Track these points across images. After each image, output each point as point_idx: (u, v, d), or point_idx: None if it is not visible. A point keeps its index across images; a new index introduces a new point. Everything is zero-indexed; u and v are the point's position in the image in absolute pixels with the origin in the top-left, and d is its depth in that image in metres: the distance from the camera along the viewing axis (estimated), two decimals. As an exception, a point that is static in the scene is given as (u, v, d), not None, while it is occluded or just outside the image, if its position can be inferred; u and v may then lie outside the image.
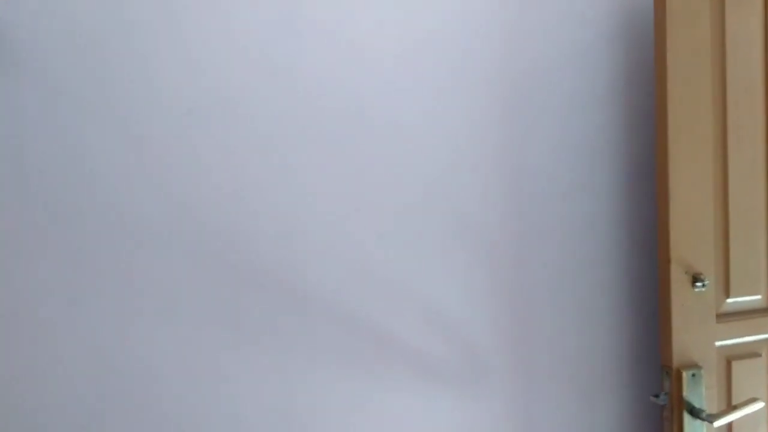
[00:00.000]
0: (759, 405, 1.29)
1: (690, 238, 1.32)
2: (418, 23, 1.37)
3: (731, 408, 1.29)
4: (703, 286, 1.32)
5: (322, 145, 1.32)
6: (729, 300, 1.39)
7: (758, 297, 1.42)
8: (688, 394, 1.30)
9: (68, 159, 1.19)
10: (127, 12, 1.21)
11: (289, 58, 1.29)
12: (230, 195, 1.27)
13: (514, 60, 1.44)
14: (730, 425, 1.41)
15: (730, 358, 1.39)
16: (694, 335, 1.33)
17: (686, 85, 1.30)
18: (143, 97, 1.22)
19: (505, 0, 1.43)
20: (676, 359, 1.31)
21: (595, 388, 1.51)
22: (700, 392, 1.31)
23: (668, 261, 1.30)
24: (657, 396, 1.35)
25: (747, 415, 1.34)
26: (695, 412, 1.29)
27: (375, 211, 1.36)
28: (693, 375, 1.31)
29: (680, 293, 1.31)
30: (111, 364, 1.21)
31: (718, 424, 1.25)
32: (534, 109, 1.46)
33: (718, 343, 1.36)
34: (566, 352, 1.49)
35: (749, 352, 1.41)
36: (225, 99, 1.26)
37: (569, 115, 1.48)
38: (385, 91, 1.35)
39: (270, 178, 1.29)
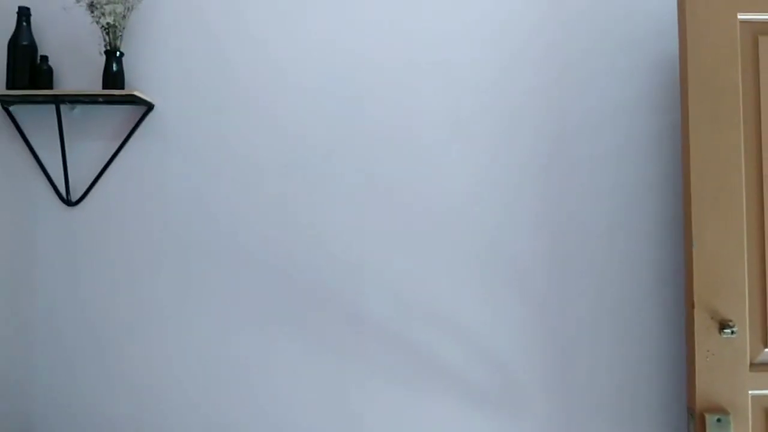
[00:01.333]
0: (791, 458, 1.27)
1: (717, 284, 1.35)
2: (473, 89, 1.61)
3: (759, 457, 1.29)
4: (732, 333, 1.34)
5: (380, 197, 1.61)
6: (768, 349, 1.38)
7: (806, 349, 1.39)
8: (712, 438, 1.32)
9: (196, 204, 1.62)
10: (236, 98, 1.62)
11: (355, 120, 1.61)
12: (311, 237, 1.61)
13: (558, 114, 1.60)
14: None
15: (769, 409, 1.37)
16: (722, 381, 1.35)
17: (710, 135, 1.36)
18: (250, 161, 1.62)
19: (551, 58, 1.60)
20: (699, 403, 1.34)
21: (634, 426, 1.56)
22: (728, 439, 1.33)
23: (692, 306, 1.36)
24: (688, 438, 1.38)
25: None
26: (719, 458, 1.31)
27: (421, 251, 1.60)
28: (718, 420, 1.33)
29: (705, 338, 1.35)
30: (212, 358, 1.60)
31: (738, 470, 1.27)
32: (576, 158, 1.60)
33: (753, 392, 1.36)
34: (605, 389, 1.57)
35: (794, 406, 1.38)
36: (306, 158, 1.61)
37: (610, 164, 1.59)
38: (436, 158, 1.61)
39: (338, 225, 1.60)
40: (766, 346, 1.38)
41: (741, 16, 1.40)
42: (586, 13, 1.60)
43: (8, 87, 1.57)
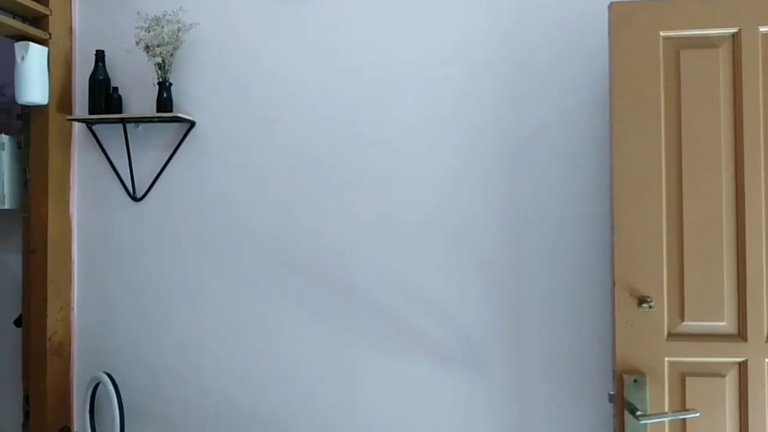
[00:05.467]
0: (693, 414, 1.50)
1: (635, 266, 1.58)
2: (444, 101, 1.93)
3: (665, 413, 1.52)
4: (650, 307, 1.57)
5: (367, 197, 1.96)
6: (686, 322, 1.58)
7: (722, 323, 1.58)
8: (628, 395, 1.57)
9: (226, 199, 2.06)
10: (256, 117, 2.03)
11: (346, 133, 1.98)
12: (313, 228, 2.00)
13: (516, 122, 1.88)
14: None
15: (685, 374, 1.58)
16: (640, 348, 1.58)
17: (633, 138, 1.59)
18: (267, 167, 2.03)
19: (511, 73, 1.88)
20: (619, 366, 1.59)
21: (575, 384, 1.82)
22: (644, 397, 1.56)
23: (613, 284, 1.60)
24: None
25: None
26: (633, 411, 1.55)
27: (402, 239, 1.94)
28: (635, 381, 1.57)
29: (625, 311, 1.59)
30: (237, 321, 2.04)
31: (645, 422, 1.51)
32: (532, 160, 1.87)
33: (669, 359, 1.58)
34: (552, 353, 1.84)
35: (709, 372, 1.58)
36: (309, 165, 2.00)
37: (561, 164, 1.84)
38: (415, 161, 1.94)
39: (335, 217, 1.98)
40: (683, 320, 1.59)
41: (663, 34, 1.61)
42: (542, 33, 1.85)
43: (90, 112, 2.09)
